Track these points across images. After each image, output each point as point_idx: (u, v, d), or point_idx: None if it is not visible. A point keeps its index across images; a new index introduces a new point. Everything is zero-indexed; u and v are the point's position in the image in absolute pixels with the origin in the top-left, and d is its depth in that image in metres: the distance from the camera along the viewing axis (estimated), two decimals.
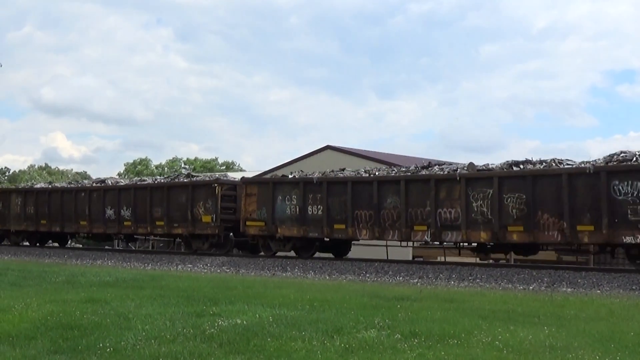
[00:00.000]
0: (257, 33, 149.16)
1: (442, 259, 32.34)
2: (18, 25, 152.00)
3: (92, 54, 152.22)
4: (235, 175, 39.78)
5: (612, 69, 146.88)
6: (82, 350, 9.51)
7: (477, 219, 24.56)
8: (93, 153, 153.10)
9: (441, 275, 24.03)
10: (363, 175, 28.24)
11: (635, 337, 10.74)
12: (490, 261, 28.51)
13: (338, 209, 27.98)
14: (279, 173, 36.60)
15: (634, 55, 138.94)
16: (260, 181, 32.55)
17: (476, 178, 24.88)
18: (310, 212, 28.79)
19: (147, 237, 42.46)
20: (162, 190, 34.03)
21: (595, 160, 23.13)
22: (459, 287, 21.88)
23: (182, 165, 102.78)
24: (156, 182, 35.96)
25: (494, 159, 31.95)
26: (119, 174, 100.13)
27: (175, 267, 30.32)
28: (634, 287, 20.42)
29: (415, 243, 29.61)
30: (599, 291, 20.35)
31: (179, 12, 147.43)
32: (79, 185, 39.88)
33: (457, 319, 12.41)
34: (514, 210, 23.80)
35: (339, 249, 30.84)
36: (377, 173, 28.01)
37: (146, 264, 31.52)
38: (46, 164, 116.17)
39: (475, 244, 25.57)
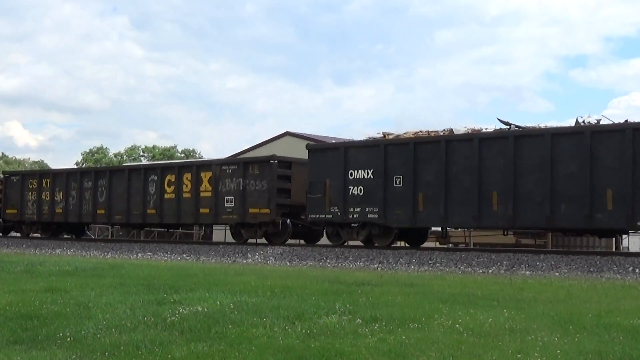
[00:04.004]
0: (213, 21, 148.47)
1: (403, 243, 32.58)
2: None
3: (47, 43, 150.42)
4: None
5: (566, 55, 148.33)
6: (42, 340, 9.42)
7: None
8: (49, 142, 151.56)
9: (401, 260, 24.14)
10: None
11: (593, 318, 10.87)
12: (450, 245, 28.90)
13: None
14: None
15: (586, 41, 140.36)
16: None
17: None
18: None
19: None
20: None
21: None
22: (419, 272, 22.00)
23: (141, 154, 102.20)
24: None
25: None
26: (77, 163, 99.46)
27: (135, 255, 30.19)
28: (591, 270, 20.67)
29: None
30: (557, 274, 20.58)
31: (135, 1, 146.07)
32: None
33: (418, 303, 12.48)
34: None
35: None
36: None
37: (106, 253, 31.33)
38: (3, 154, 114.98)
39: None
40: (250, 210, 29.39)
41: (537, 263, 21.89)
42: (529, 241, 34.48)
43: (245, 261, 26.57)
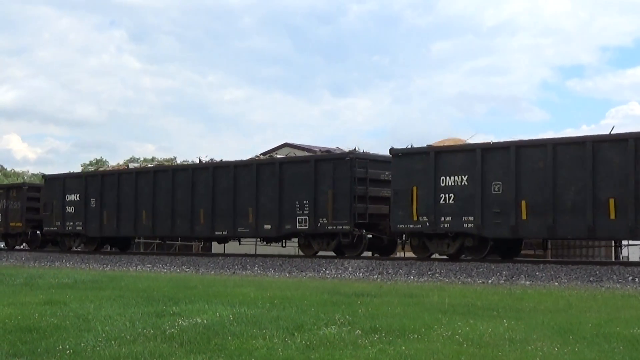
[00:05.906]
0: (210, 33, 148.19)
1: (402, 254, 32.61)
2: None
3: (45, 56, 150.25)
4: None
5: (563, 65, 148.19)
6: (41, 353, 9.41)
7: None
8: (47, 154, 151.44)
9: (401, 270, 24.14)
10: None
11: (593, 328, 10.87)
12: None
13: None
14: None
15: (582, 51, 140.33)
16: None
17: None
18: None
19: None
20: None
21: None
22: (419, 282, 21.99)
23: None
24: None
25: None
26: None
27: (134, 267, 30.17)
28: (591, 279, 20.67)
29: None
30: (557, 283, 20.58)
31: (132, 14, 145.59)
32: None
33: (417, 314, 12.48)
34: None
35: None
36: None
37: (105, 265, 31.32)
38: (2, 166, 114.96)
39: None
40: (11, 224, 40.01)
41: (537, 273, 21.89)
42: (528, 251, 34.44)
43: (244, 273, 26.56)
